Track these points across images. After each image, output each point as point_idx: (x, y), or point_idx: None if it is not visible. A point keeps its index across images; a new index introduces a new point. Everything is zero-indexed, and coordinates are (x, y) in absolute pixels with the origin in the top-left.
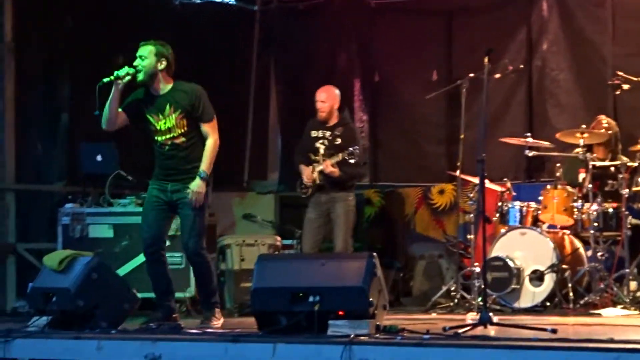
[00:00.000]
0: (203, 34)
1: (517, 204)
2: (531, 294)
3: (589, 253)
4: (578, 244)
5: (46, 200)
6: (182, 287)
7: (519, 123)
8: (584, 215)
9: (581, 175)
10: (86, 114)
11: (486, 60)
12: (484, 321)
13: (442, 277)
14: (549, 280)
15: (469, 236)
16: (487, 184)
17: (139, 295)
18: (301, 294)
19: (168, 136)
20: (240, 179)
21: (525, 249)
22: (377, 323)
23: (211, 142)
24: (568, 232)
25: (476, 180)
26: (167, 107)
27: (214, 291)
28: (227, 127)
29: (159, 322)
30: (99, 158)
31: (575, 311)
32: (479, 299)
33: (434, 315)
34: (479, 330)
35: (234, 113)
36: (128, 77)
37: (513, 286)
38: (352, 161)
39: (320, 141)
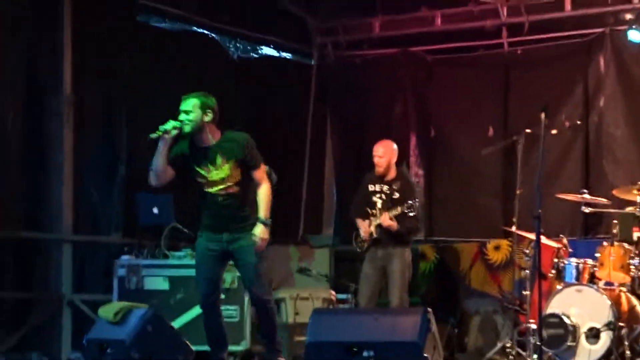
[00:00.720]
0: (261, 87)
1: (574, 260)
2: (587, 352)
3: None
4: (635, 301)
5: (102, 251)
6: (236, 340)
7: (576, 179)
8: None
9: (636, 234)
10: (143, 166)
11: (543, 116)
12: None
13: (497, 333)
14: (606, 338)
15: (524, 292)
16: (543, 240)
17: (194, 347)
18: (355, 349)
19: (222, 187)
20: (295, 232)
21: (582, 306)
22: None
23: (265, 188)
24: (625, 289)
25: (532, 236)
26: (218, 157)
27: (278, 338)
28: (283, 179)
29: None
30: (155, 210)
31: None
32: (535, 356)
33: None
34: None
35: (290, 166)
36: (175, 131)
37: (569, 343)
38: (411, 214)
39: (378, 195)
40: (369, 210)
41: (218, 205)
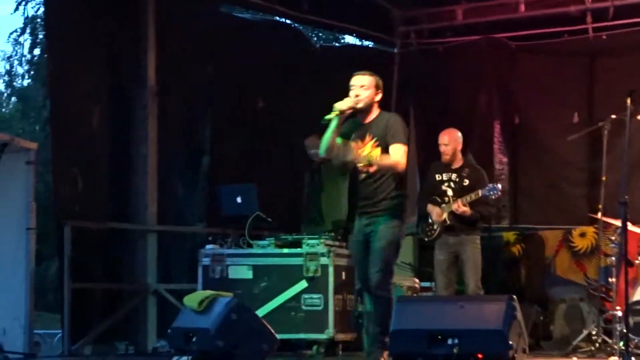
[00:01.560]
0: (343, 77)
1: None
2: None
3: None
4: None
5: (187, 241)
6: (320, 328)
7: None
8: None
9: None
10: (226, 157)
11: (629, 101)
12: None
13: (583, 321)
14: None
15: (610, 279)
16: (630, 226)
17: (278, 336)
18: (440, 337)
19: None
20: None
21: None
22: None
23: (395, 158)
24: None
25: (618, 222)
26: (367, 134)
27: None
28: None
29: None
30: (238, 200)
31: None
32: (621, 343)
33: (575, 359)
34: None
35: None
36: (349, 110)
37: None
38: (494, 197)
39: (447, 184)
40: (438, 199)
41: (360, 183)
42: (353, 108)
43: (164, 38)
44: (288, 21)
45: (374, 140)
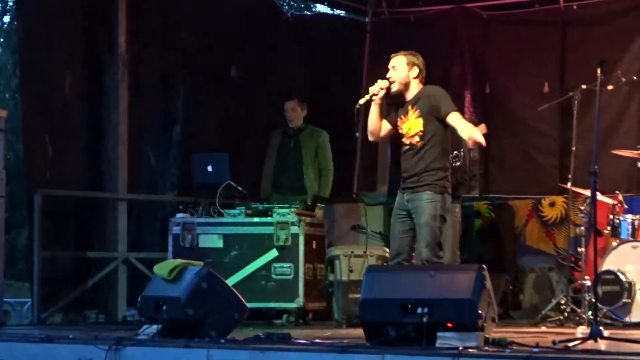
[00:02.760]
0: (315, 45)
1: (629, 217)
2: None
3: None
4: None
5: (158, 210)
6: (290, 297)
7: (632, 135)
8: None
9: None
10: (198, 125)
11: (599, 71)
12: (595, 335)
13: (552, 290)
14: None
15: (579, 249)
16: (599, 196)
17: (248, 305)
18: (410, 306)
19: (408, 138)
20: (349, 190)
21: (637, 263)
22: (486, 336)
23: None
24: None
25: (588, 192)
26: (410, 110)
27: None
28: (337, 138)
29: (268, 332)
30: (209, 169)
31: None
32: (590, 312)
33: (543, 328)
34: (589, 344)
35: (344, 124)
36: (382, 92)
37: (624, 300)
38: (457, 164)
39: None
40: None
41: (403, 156)
42: (388, 90)
43: (136, 6)
44: None
45: (416, 112)
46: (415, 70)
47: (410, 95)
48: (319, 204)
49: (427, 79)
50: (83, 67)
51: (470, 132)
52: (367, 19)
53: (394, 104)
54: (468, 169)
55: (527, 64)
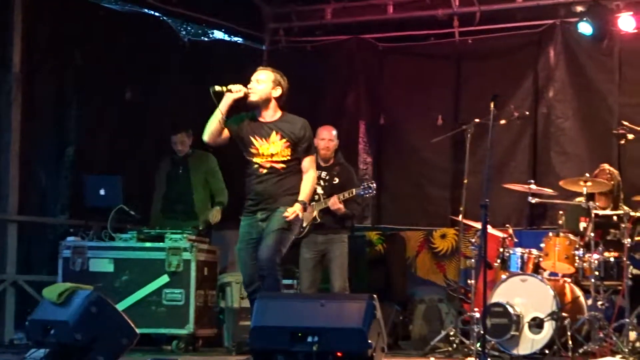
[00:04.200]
0: (211, 72)
1: (519, 250)
2: (530, 341)
3: (589, 302)
4: (578, 292)
5: (48, 232)
6: (181, 323)
7: (523, 170)
8: (585, 264)
9: (582, 224)
10: (91, 147)
11: (492, 105)
12: None
13: (442, 322)
14: (549, 328)
15: (469, 281)
16: (490, 229)
17: (138, 330)
18: (300, 334)
19: (269, 160)
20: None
21: (526, 296)
22: None
23: (312, 175)
24: (569, 280)
25: (478, 225)
26: (274, 133)
27: None
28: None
29: (157, 358)
30: (102, 192)
31: None
32: (478, 344)
33: (432, 359)
34: None
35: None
36: (240, 94)
37: (512, 333)
38: (367, 196)
39: (318, 181)
40: None
41: (259, 177)
42: (245, 96)
43: (31, 25)
44: (156, 14)
45: (284, 140)
46: (278, 91)
47: (271, 116)
48: (217, 203)
49: (321, 107)
50: None
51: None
52: (264, 47)
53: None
54: (361, 200)
55: (422, 96)
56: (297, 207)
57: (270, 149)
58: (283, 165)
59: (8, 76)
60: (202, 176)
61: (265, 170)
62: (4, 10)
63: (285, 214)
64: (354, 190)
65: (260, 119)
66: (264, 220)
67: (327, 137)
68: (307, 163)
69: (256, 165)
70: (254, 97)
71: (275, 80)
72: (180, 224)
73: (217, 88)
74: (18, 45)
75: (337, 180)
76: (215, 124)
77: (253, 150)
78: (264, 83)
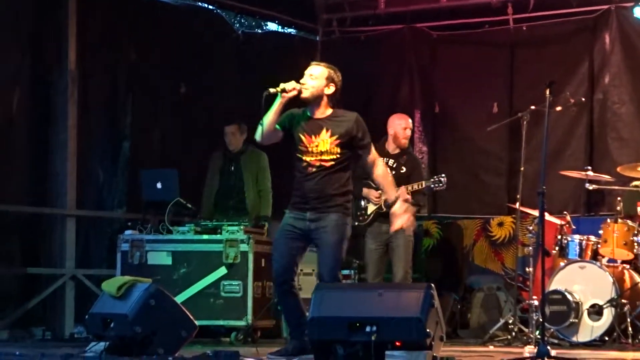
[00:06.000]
0: (265, 64)
1: (577, 237)
2: (589, 328)
3: None
4: (638, 278)
5: (106, 227)
6: (239, 315)
7: (580, 156)
8: None
9: None
10: (147, 142)
11: (547, 92)
12: (542, 354)
13: (500, 310)
14: (608, 315)
15: (527, 269)
16: (547, 216)
17: (197, 322)
18: (358, 324)
19: (318, 158)
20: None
21: (585, 283)
22: (434, 354)
23: (382, 164)
24: (628, 266)
25: (536, 213)
26: (324, 131)
27: None
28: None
29: (216, 350)
30: (159, 185)
31: (634, 346)
32: (537, 332)
33: (491, 347)
34: None
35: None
36: (294, 92)
37: (571, 320)
38: (435, 189)
39: None
40: (372, 183)
41: (307, 176)
42: (298, 93)
43: (85, 22)
44: (210, 7)
45: (334, 137)
46: (332, 89)
47: (322, 113)
48: (262, 222)
49: (376, 97)
50: (30, 83)
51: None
52: (317, 38)
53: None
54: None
55: (476, 85)
56: (403, 208)
57: (319, 147)
58: (332, 163)
59: (64, 74)
60: (254, 174)
61: (314, 169)
62: (58, 9)
63: (401, 225)
64: (423, 182)
65: (311, 116)
66: (314, 220)
67: (407, 126)
68: (372, 154)
69: (305, 163)
70: (306, 94)
71: (329, 77)
72: (233, 220)
73: (272, 90)
74: (73, 43)
75: (404, 169)
76: (268, 126)
77: (302, 148)
78: (316, 79)
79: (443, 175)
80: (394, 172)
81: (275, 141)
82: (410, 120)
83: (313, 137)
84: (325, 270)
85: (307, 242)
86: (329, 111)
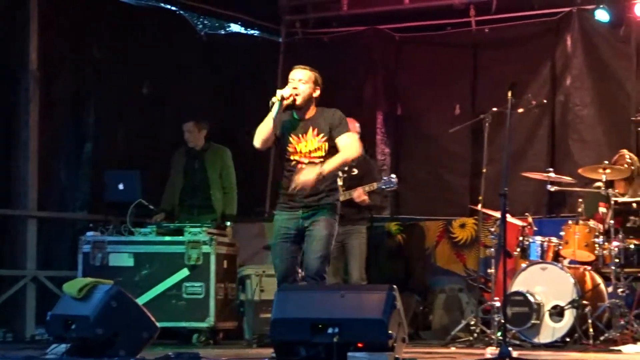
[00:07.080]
0: (228, 65)
1: (539, 238)
2: (551, 330)
3: (610, 289)
4: (599, 279)
5: (68, 228)
6: (201, 317)
7: (542, 158)
8: (605, 251)
9: (602, 209)
10: (109, 142)
11: (509, 94)
12: (504, 356)
13: (462, 311)
14: (569, 316)
15: (489, 270)
16: (509, 218)
17: (159, 324)
18: (321, 325)
19: (307, 156)
20: (262, 210)
21: (546, 284)
22: (396, 356)
23: (348, 151)
24: (589, 267)
25: (498, 214)
26: (310, 130)
27: None
28: (248, 157)
29: (177, 352)
30: (121, 187)
31: (596, 347)
32: (499, 333)
33: (453, 349)
34: None
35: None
36: (291, 99)
37: (533, 321)
38: (390, 188)
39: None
40: None
41: (298, 172)
42: (293, 99)
43: (48, 22)
44: (173, 8)
45: (321, 135)
46: (317, 92)
47: (308, 114)
48: (227, 222)
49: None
50: None
51: (336, 164)
52: (280, 39)
53: None
54: (380, 191)
55: (439, 86)
56: (313, 172)
57: (308, 146)
58: (322, 160)
59: (26, 74)
60: (218, 170)
61: (304, 166)
62: (21, 8)
63: (297, 182)
64: (374, 184)
65: (299, 118)
66: (307, 217)
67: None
68: (344, 138)
69: (294, 162)
70: (299, 100)
71: (315, 80)
72: (198, 218)
73: (274, 99)
74: (35, 43)
75: (356, 171)
76: (267, 132)
77: (291, 149)
78: (306, 83)
79: (393, 175)
80: (345, 175)
81: (269, 146)
82: (355, 124)
83: (301, 137)
84: (313, 263)
85: (303, 241)
86: (314, 111)
